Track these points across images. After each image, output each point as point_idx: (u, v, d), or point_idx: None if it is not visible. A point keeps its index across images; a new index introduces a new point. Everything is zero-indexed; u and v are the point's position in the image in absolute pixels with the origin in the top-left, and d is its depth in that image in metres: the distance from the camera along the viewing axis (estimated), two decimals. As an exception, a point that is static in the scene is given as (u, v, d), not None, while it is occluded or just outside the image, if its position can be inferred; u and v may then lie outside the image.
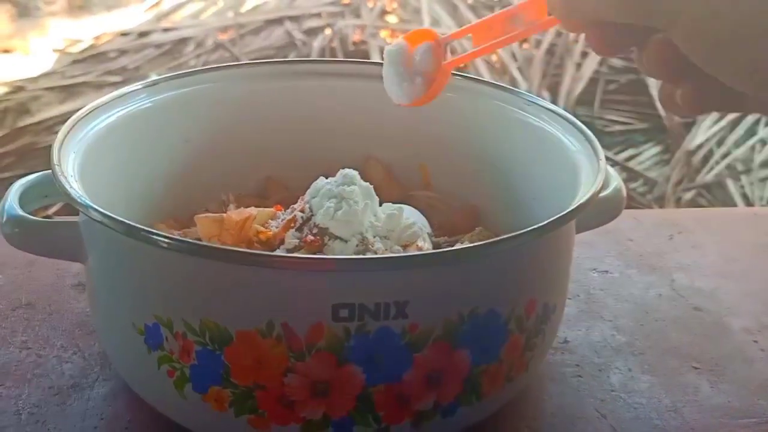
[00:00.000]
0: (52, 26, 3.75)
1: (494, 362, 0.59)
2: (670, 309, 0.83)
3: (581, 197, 0.60)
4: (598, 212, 0.69)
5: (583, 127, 0.71)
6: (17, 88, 2.99)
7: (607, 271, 0.89)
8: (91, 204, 0.56)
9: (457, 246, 0.71)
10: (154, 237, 0.54)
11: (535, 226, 0.56)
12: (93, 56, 3.17)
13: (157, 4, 3.56)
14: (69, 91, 2.91)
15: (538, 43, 3.30)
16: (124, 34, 3.30)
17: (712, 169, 2.85)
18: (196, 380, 0.57)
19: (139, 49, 3.19)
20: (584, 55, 3.23)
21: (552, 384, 0.72)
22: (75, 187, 0.59)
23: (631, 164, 2.90)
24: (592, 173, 0.64)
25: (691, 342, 0.78)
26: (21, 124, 2.77)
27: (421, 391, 0.57)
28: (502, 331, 0.59)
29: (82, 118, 0.68)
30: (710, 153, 2.88)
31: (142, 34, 3.28)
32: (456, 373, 0.58)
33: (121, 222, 0.55)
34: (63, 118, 2.76)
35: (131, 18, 3.54)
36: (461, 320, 0.56)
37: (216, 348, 0.55)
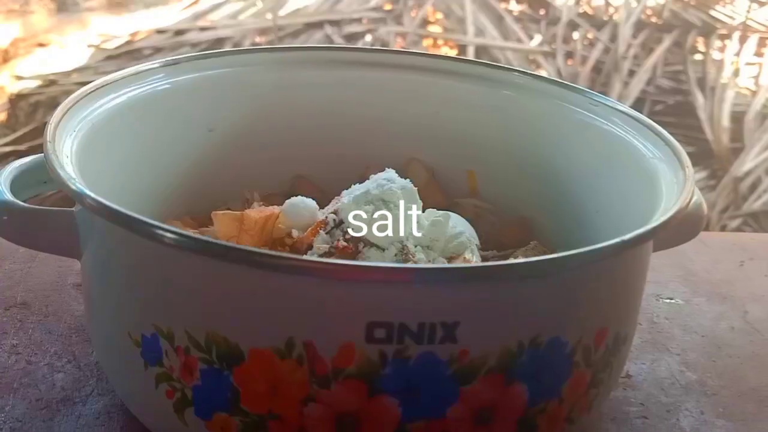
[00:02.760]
0: (90, 22, 3.72)
1: (555, 400, 0.51)
2: (745, 344, 0.75)
3: (666, 210, 0.51)
4: (677, 229, 0.60)
5: (662, 130, 0.63)
6: (50, 82, 2.96)
7: (672, 299, 0.81)
8: (84, 189, 0.48)
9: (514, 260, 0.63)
10: (158, 231, 0.45)
11: (618, 240, 0.47)
12: (127, 53, 3.13)
13: (195, 2, 3.52)
14: (102, 87, 2.87)
15: (584, 60, 3.23)
16: (160, 32, 3.26)
17: (759, 197, 2.77)
18: (200, 404, 0.49)
19: (175, 47, 3.15)
20: (631, 74, 3.16)
21: (613, 425, 0.64)
22: (69, 169, 0.50)
23: (676, 188, 2.81)
24: (677, 183, 0.56)
25: (771, 383, 0.70)
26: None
27: (467, 431, 0.49)
28: (567, 364, 0.50)
29: (87, 94, 0.61)
30: (758, 180, 2.81)
31: (179, 32, 3.24)
32: (510, 412, 0.50)
33: (118, 212, 0.46)
34: (94, 114, 2.74)
35: (169, 16, 3.50)
36: (520, 349, 0.47)
37: (224, 367, 0.47)
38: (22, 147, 2.59)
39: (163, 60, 0.69)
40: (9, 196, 0.56)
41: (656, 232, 0.50)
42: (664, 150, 0.61)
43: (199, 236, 0.45)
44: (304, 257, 0.55)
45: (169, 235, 0.45)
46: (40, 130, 2.68)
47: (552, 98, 0.71)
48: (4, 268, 0.76)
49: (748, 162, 2.86)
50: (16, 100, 2.90)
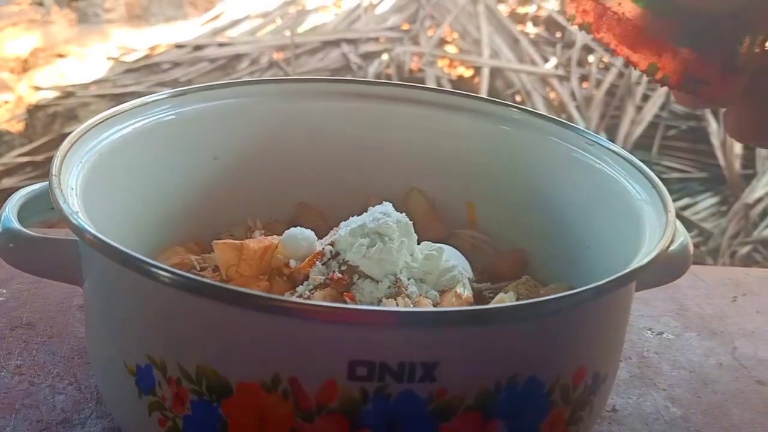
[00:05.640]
0: (110, 34, 3.74)
1: (533, 437, 0.52)
2: (730, 381, 0.76)
3: (646, 254, 0.53)
4: (661, 270, 0.62)
5: (651, 173, 0.64)
6: (68, 94, 2.98)
7: (662, 333, 0.82)
8: (84, 224, 0.49)
9: (500, 296, 0.64)
10: (153, 269, 0.46)
11: (592, 286, 0.48)
12: (146, 66, 3.15)
13: (214, 18, 3.54)
14: (119, 99, 2.88)
15: (599, 83, 3.23)
16: (179, 47, 3.27)
17: (770, 224, 2.77)
18: (190, 433, 0.50)
19: (193, 62, 3.16)
20: (645, 98, 3.16)
21: (596, 459, 0.65)
22: (71, 202, 0.52)
23: (687, 213, 2.82)
24: (659, 227, 0.57)
25: (753, 420, 0.71)
26: (68, 129, 2.74)
27: (446, 465, 0.49)
28: (544, 403, 0.51)
29: (94, 126, 0.62)
30: (769, 208, 2.81)
31: (198, 48, 3.25)
32: (488, 448, 0.50)
33: (117, 249, 0.48)
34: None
35: (188, 31, 3.51)
36: (498, 388, 0.48)
37: (213, 399, 0.48)
38: (39, 158, 2.61)
39: (170, 91, 0.70)
40: (16, 225, 0.57)
41: (632, 278, 0.51)
42: (650, 192, 0.62)
43: (191, 276, 0.46)
44: (290, 298, 0.57)
45: (163, 273, 0.46)
46: (57, 141, 2.70)
47: (548, 135, 0.71)
48: (12, 288, 0.77)
49: (759, 189, 2.85)
50: (33, 110, 2.92)
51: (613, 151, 0.67)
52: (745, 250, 2.69)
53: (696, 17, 0.48)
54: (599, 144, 0.69)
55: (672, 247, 0.62)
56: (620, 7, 0.51)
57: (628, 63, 0.53)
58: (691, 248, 0.65)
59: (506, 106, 0.75)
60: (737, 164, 2.97)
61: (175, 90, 0.70)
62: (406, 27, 3.38)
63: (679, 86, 0.50)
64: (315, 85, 0.76)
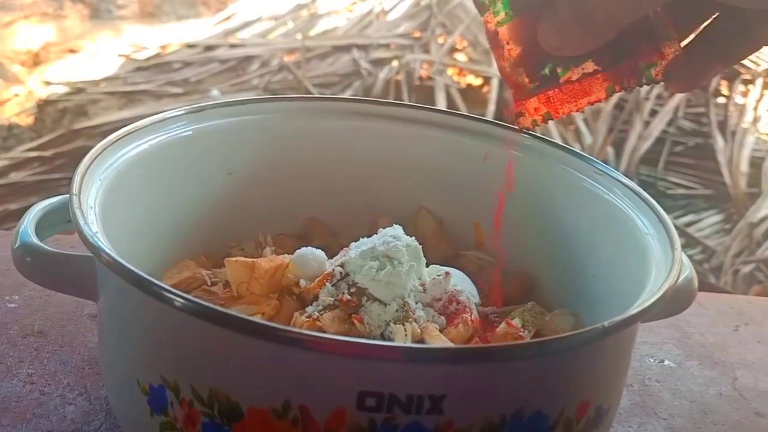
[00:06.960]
0: (121, 31, 3.75)
1: (535, 469, 0.53)
2: (730, 412, 0.76)
3: (653, 292, 0.54)
4: (667, 306, 0.62)
5: (659, 208, 0.64)
6: (78, 90, 2.98)
7: (664, 361, 0.82)
8: (102, 246, 0.50)
9: (505, 323, 0.65)
10: (168, 295, 0.48)
11: (599, 325, 0.49)
12: (157, 65, 3.15)
13: (226, 18, 3.54)
14: (129, 97, 2.89)
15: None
16: (190, 46, 3.28)
17: (773, 244, 2.76)
18: (200, 454, 0.51)
19: (204, 62, 3.17)
20: (653, 113, 3.16)
21: (595, 487, 0.65)
22: (90, 222, 0.53)
23: (691, 230, 2.82)
24: (665, 263, 0.58)
25: (751, 453, 0.71)
26: (77, 126, 2.75)
27: (450, 496, 0.50)
28: (548, 435, 0.52)
29: (113, 142, 0.63)
30: (774, 227, 2.80)
31: (209, 48, 3.26)
32: (491, 479, 0.51)
33: (133, 273, 0.49)
34: (119, 125, 2.75)
35: (199, 30, 3.52)
36: (503, 421, 0.49)
37: (224, 422, 0.49)
38: (47, 153, 2.61)
39: (188, 107, 0.71)
40: (33, 239, 0.58)
41: (639, 317, 0.52)
42: (657, 227, 0.62)
43: (204, 303, 0.47)
44: (302, 330, 0.57)
45: (177, 299, 0.47)
46: (66, 137, 2.71)
47: (558, 162, 0.72)
48: (24, 294, 0.78)
49: (764, 208, 2.85)
50: (43, 105, 2.93)
51: (622, 183, 0.68)
52: (747, 269, 2.69)
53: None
54: (608, 174, 0.69)
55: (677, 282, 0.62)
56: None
57: (592, 104, 0.56)
58: (696, 282, 0.66)
59: (517, 131, 0.76)
60: (743, 182, 2.97)
61: (192, 106, 0.71)
62: (417, 34, 3.39)
63: (639, 82, 0.56)
64: (328, 103, 0.77)
